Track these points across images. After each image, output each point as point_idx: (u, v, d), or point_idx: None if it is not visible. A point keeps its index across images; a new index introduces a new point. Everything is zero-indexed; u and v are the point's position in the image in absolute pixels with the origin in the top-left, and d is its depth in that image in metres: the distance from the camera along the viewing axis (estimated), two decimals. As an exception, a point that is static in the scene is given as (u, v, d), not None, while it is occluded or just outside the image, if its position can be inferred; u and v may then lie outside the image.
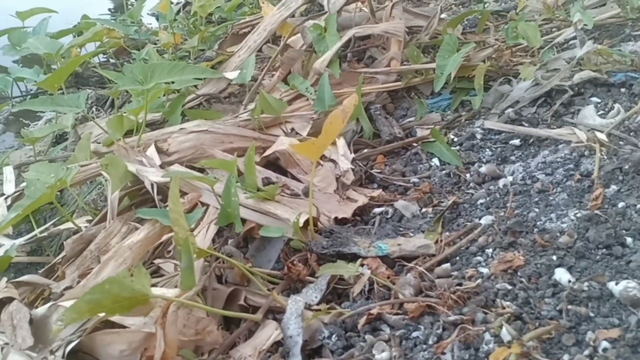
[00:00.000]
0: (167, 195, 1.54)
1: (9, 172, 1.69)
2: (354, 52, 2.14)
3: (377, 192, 1.45)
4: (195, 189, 1.40)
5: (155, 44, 2.94)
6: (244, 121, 1.77)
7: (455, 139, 1.64)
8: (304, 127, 1.77)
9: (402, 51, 1.93)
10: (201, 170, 1.54)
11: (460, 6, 2.62)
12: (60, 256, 1.37)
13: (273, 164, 1.64)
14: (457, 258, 1.14)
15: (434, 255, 1.14)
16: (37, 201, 1.31)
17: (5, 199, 1.59)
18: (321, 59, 1.87)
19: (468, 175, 1.46)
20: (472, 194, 1.37)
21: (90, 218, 1.52)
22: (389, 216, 1.35)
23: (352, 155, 1.59)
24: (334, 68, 1.86)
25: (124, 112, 1.78)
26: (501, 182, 1.38)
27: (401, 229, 1.28)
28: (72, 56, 2.36)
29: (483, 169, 1.45)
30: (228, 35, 2.63)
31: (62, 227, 1.47)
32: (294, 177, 1.55)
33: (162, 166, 1.55)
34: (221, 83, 2.19)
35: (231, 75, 2.14)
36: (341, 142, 1.60)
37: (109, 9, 3.58)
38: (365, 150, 1.67)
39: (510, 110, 1.65)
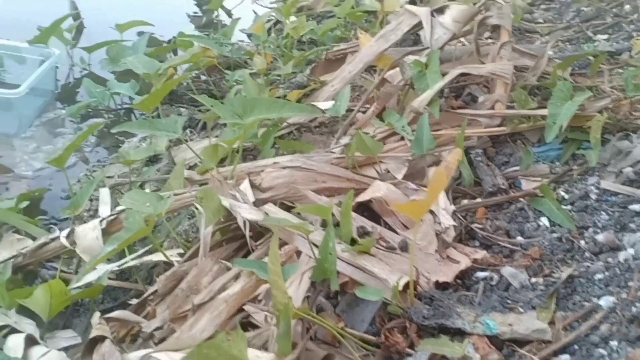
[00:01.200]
0: (259, 231, 1.53)
1: (105, 194, 1.71)
2: (452, 88, 2.05)
3: (480, 254, 1.35)
4: (289, 235, 1.36)
5: (246, 62, 2.96)
6: (337, 158, 1.72)
7: (566, 197, 1.52)
8: (399, 170, 1.70)
9: (508, 94, 1.83)
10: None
11: (567, 43, 2.46)
12: (151, 291, 1.37)
13: (366, 207, 1.58)
14: (576, 347, 1.03)
15: (549, 342, 1.04)
16: (135, 235, 1.31)
17: (101, 221, 1.61)
18: (421, 97, 1.79)
19: (582, 242, 1.34)
20: (588, 267, 1.25)
21: (181, 251, 1.51)
22: (494, 283, 1.25)
23: (453, 207, 1.50)
24: (434, 108, 1.78)
25: (218, 140, 1.77)
26: (621, 256, 1.25)
27: (509, 301, 1.18)
28: (167, 74, 2.40)
29: (600, 237, 1.32)
30: (320, 61, 2.60)
31: (153, 258, 1.46)
32: (389, 227, 1.48)
33: (255, 203, 1.52)
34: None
35: (324, 105, 2.10)
36: (441, 194, 1.51)
37: (198, 27, 3.63)
38: (465, 201, 1.58)
39: (629, 170, 1.51)
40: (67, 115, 2.43)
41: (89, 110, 2.51)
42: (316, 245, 1.30)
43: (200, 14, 3.82)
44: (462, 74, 2.03)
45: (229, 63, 2.86)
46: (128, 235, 1.29)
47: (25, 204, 1.76)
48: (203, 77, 2.97)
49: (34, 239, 1.71)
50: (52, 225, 1.69)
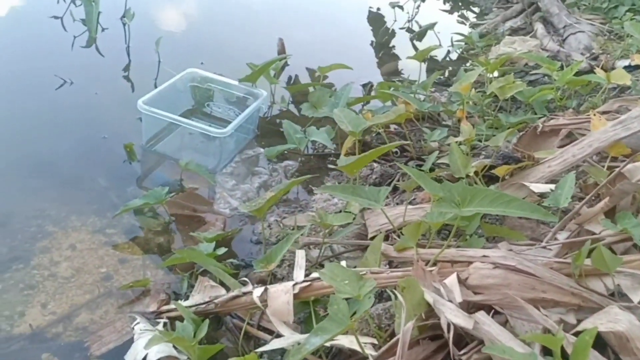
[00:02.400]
0: (458, 333, 1.37)
1: (300, 258, 1.67)
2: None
3: None
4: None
5: (439, 115, 2.82)
6: (557, 262, 1.50)
7: None
8: (635, 290, 1.43)
9: None
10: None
11: None
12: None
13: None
14: None
15: None
16: (341, 331, 1.22)
17: (294, 285, 1.57)
18: (672, 207, 1.51)
19: None
20: None
21: (375, 341, 1.40)
22: None
23: None
24: (688, 222, 1.49)
25: (423, 218, 1.65)
26: None
27: None
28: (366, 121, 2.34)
29: None
30: (528, 130, 2.37)
31: (346, 344, 1.37)
32: (625, 366, 1.23)
33: (462, 304, 1.37)
34: (520, 193, 1.95)
35: (538, 187, 1.89)
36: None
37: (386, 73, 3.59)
38: None
39: None
40: (265, 155, 2.49)
41: (285, 152, 2.55)
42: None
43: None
44: None
45: (423, 114, 2.75)
46: (334, 330, 1.21)
47: (222, 250, 1.79)
48: (393, 127, 2.90)
49: (225, 286, 1.74)
50: (245, 280, 1.68)
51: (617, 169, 1.71)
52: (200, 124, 2.40)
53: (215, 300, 1.63)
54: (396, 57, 3.85)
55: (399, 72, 3.62)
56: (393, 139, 2.70)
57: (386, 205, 2.05)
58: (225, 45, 3.50)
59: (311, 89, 2.81)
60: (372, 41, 4.02)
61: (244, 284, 1.67)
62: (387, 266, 1.70)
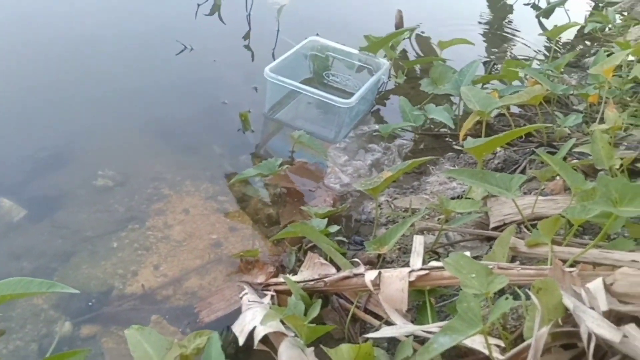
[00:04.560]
0: (599, 347, 1.21)
1: (418, 244, 1.56)
2: None
3: None
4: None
5: (568, 97, 2.57)
6: None
7: None
8: None
9: None
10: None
11: None
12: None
13: None
14: None
15: None
16: (472, 334, 1.10)
17: (410, 272, 1.46)
18: None
19: None
20: None
21: (501, 343, 1.26)
22: None
23: None
24: None
25: (564, 214, 1.47)
26: None
27: None
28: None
29: None
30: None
31: (468, 343, 1.24)
32: None
33: (606, 314, 1.20)
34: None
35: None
36: None
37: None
38: None
39: None
40: (381, 133, 2.38)
41: (398, 130, 2.43)
42: None
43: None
44: None
45: (552, 96, 2.51)
46: (465, 331, 1.09)
47: (335, 228, 1.72)
48: (516, 109, 2.69)
49: (335, 264, 1.67)
50: (356, 260, 1.60)
51: None
52: (325, 94, 2.34)
53: (325, 279, 1.56)
54: (515, 35, 3.57)
55: (513, 51, 3.36)
56: (518, 121, 2.49)
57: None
58: (341, 16, 3.41)
59: (432, 64, 2.65)
60: (490, 17, 3.76)
61: (355, 264, 1.59)
62: (518, 262, 1.54)
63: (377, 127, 2.44)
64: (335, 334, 1.56)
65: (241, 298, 1.56)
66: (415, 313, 1.55)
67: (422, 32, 3.33)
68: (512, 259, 1.64)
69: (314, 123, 2.50)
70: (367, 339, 1.45)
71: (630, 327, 1.15)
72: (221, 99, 2.52)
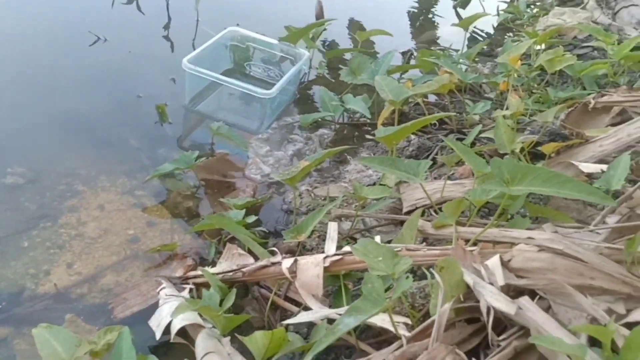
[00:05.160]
0: (497, 317, 1.29)
1: (332, 230, 1.61)
2: None
3: None
4: (552, 352, 1.10)
5: (481, 86, 2.69)
6: (607, 248, 1.40)
7: None
8: (693, 282, 1.32)
9: None
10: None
11: None
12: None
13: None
14: None
15: None
16: (376, 312, 1.15)
17: (325, 258, 1.50)
18: None
19: None
20: None
21: (408, 321, 1.33)
22: None
23: None
24: None
25: (465, 195, 1.56)
26: None
27: None
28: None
29: None
30: (577, 106, 2.23)
31: (378, 322, 1.30)
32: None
33: (504, 288, 1.28)
34: (568, 172, 1.84)
35: (587, 167, 1.78)
36: None
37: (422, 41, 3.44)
38: None
39: None
40: (301, 124, 2.41)
41: (319, 120, 2.47)
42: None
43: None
44: None
45: (465, 85, 2.62)
46: (369, 311, 1.14)
47: (252, 218, 1.74)
48: (432, 97, 2.79)
49: (254, 255, 1.69)
50: (274, 249, 1.63)
51: (679, 152, 1.59)
52: (245, 84, 2.33)
53: (243, 269, 1.58)
54: (436, 26, 3.69)
55: (437, 41, 3.47)
56: (432, 110, 2.59)
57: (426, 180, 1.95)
58: (261, 6, 3.40)
59: (350, 54, 2.70)
60: (411, 8, 3.87)
61: (273, 253, 1.62)
62: (424, 243, 1.62)
63: (299, 117, 2.47)
64: (256, 322, 1.59)
65: (158, 293, 1.55)
66: (333, 298, 1.59)
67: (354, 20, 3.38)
68: (424, 241, 1.73)
69: (237, 114, 2.50)
70: (284, 325, 1.48)
71: (524, 300, 1.25)
72: (137, 91, 2.46)
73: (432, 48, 3.17)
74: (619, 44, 2.49)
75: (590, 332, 1.10)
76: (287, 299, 1.63)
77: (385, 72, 2.41)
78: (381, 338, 1.42)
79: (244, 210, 1.78)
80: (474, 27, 3.60)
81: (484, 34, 3.62)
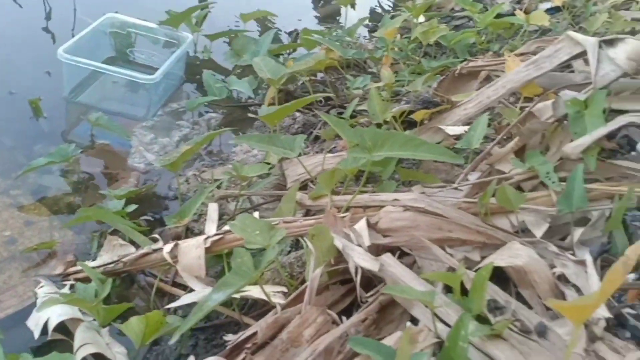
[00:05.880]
0: (367, 276, 1.36)
1: (212, 211, 1.62)
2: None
3: (636, 355, 1.11)
4: (409, 301, 1.18)
5: (365, 62, 2.78)
6: (465, 203, 1.51)
7: None
8: (539, 226, 1.45)
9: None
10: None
11: None
12: (248, 334, 1.25)
13: (496, 268, 1.36)
14: None
15: None
16: (245, 283, 1.19)
17: (205, 239, 1.52)
18: (576, 143, 1.53)
19: None
20: None
21: (285, 290, 1.38)
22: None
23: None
24: (590, 158, 1.51)
25: (338, 165, 1.62)
26: None
27: None
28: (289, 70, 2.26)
29: None
30: (449, 74, 2.36)
31: (254, 294, 1.34)
32: (523, 300, 1.26)
33: (370, 248, 1.36)
34: (436, 136, 1.96)
35: (453, 130, 1.90)
36: (590, 270, 1.26)
37: (321, 18, 3.49)
38: (619, 280, 1.32)
39: None
40: (187, 108, 2.39)
41: (206, 104, 2.46)
42: (440, 320, 1.12)
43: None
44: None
45: (349, 62, 2.70)
46: (238, 284, 1.18)
47: (132, 207, 1.72)
48: (320, 75, 2.84)
49: (136, 244, 1.68)
50: (155, 237, 1.63)
51: (527, 109, 1.73)
52: (126, 71, 2.27)
53: (124, 259, 1.57)
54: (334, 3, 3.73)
55: (337, 18, 3.52)
56: (318, 88, 2.64)
57: (306, 154, 2.01)
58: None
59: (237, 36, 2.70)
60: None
61: (155, 240, 1.62)
62: (301, 215, 1.67)
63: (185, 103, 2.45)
64: (143, 311, 1.58)
65: (35, 292, 1.51)
66: (219, 277, 1.62)
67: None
68: (308, 213, 1.78)
69: (122, 103, 2.44)
70: (172, 310, 1.50)
71: (386, 256, 1.33)
72: (10, 87, 2.34)
73: (327, 27, 3.23)
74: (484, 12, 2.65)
75: (440, 279, 1.19)
76: (175, 284, 1.64)
77: (266, 52, 2.44)
78: (265, 309, 1.47)
79: (124, 200, 1.76)
80: (378, 3, 3.68)
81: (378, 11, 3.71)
